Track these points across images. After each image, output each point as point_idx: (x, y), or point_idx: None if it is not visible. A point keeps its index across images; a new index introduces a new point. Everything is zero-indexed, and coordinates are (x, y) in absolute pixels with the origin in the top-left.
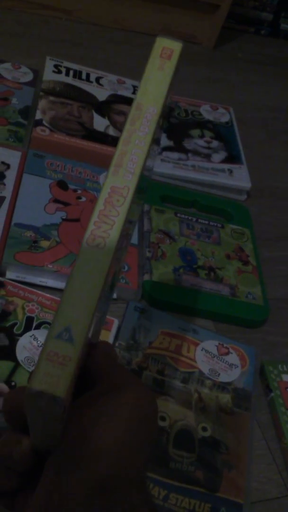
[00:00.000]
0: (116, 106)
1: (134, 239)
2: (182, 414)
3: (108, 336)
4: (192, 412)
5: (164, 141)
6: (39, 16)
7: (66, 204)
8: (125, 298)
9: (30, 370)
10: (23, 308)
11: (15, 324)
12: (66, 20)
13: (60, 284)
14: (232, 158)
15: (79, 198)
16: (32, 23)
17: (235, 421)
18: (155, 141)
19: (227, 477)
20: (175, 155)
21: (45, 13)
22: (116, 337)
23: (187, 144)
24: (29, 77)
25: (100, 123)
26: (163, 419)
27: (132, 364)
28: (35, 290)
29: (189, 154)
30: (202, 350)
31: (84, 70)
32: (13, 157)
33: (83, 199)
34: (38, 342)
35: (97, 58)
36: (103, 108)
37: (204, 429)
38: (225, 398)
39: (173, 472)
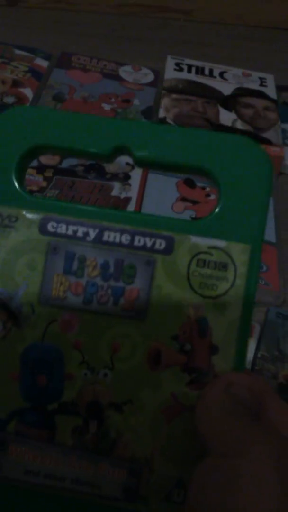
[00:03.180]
0: (243, 99)
1: (271, 235)
2: None
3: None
4: None
5: None
6: (157, 19)
7: (194, 202)
8: (265, 302)
9: None
10: None
11: None
12: (185, 21)
13: None
14: None
15: (208, 196)
16: (150, 26)
17: None
18: None
19: None
20: None
21: (163, 16)
22: (258, 347)
23: None
24: (150, 78)
25: (226, 117)
26: None
27: (279, 377)
28: None
29: None
30: None
31: (207, 65)
32: None
33: (213, 196)
34: None
35: (220, 55)
36: (229, 102)
37: None
38: None
39: None
